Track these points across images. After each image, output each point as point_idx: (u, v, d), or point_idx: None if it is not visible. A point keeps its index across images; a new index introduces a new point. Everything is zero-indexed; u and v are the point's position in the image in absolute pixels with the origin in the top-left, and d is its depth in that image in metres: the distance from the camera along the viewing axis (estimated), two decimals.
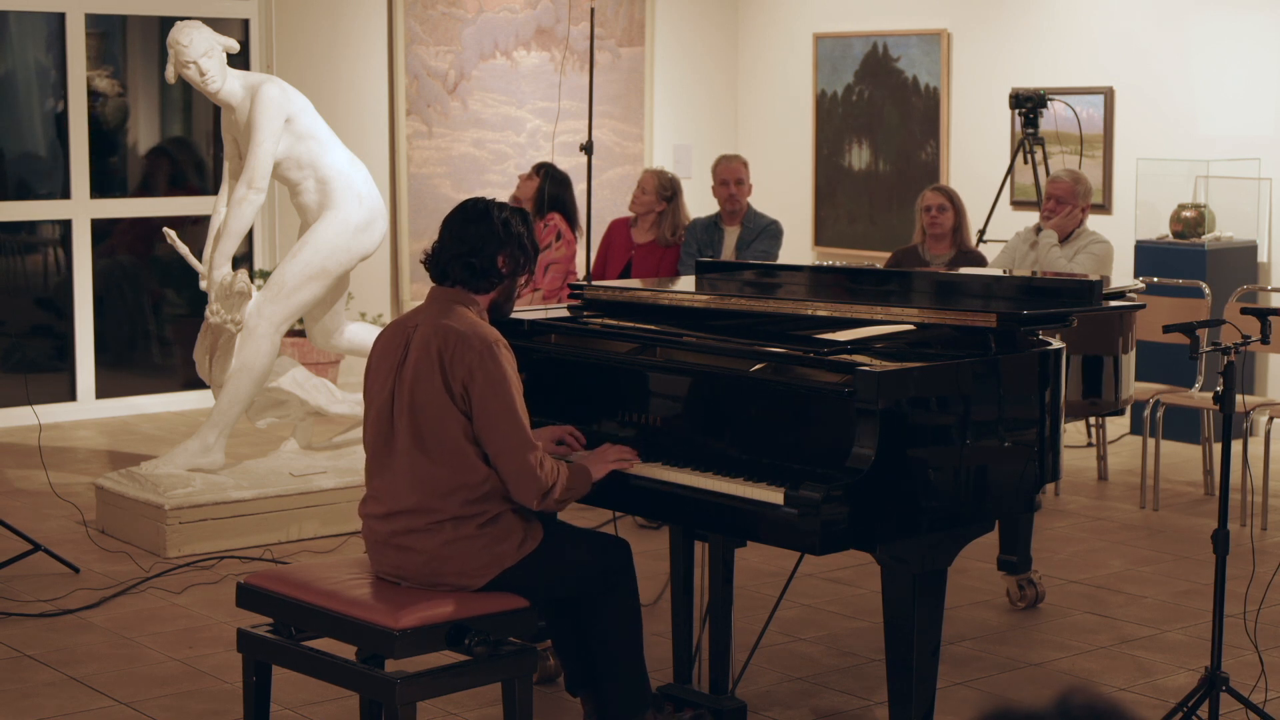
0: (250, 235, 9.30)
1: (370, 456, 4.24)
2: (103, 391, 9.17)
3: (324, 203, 6.98)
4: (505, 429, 4.05)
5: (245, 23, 9.42)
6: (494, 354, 4.06)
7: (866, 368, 3.98)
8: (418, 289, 9.91)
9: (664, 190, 7.94)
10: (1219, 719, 4.49)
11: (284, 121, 6.83)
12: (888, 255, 8.03)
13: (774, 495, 3.93)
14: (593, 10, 8.29)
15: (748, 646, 4.93)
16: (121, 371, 9.40)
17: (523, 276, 4.28)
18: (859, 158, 10.61)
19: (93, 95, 9.11)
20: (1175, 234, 8.82)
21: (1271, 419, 7.25)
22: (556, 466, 4.11)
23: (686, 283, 5.73)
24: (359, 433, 7.22)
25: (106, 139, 9.24)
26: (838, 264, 9.09)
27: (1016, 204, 9.65)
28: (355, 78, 9.73)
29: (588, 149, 7.87)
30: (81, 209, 9.06)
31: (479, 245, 4.17)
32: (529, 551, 4.14)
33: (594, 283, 5.54)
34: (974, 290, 5.23)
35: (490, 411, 4.05)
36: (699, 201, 9.34)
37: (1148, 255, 8.78)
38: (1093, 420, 8.14)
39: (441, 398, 4.07)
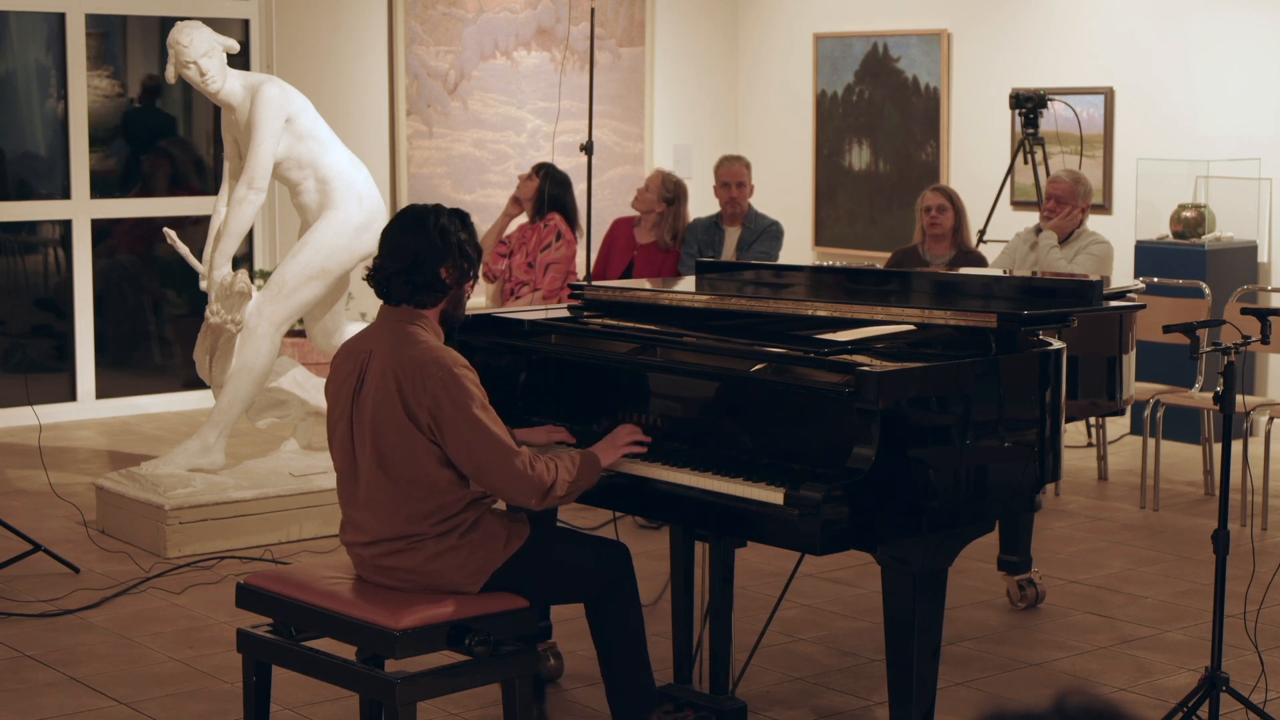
0: (250, 235, 9.30)
1: (340, 484, 4.20)
2: (103, 391, 9.17)
3: (324, 203, 6.98)
4: (482, 446, 3.99)
5: (245, 23, 9.42)
6: (454, 377, 3.99)
7: (867, 368, 3.98)
8: None
9: (665, 191, 7.93)
10: (1219, 719, 4.49)
11: (284, 121, 6.83)
12: (888, 255, 8.03)
13: (774, 495, 3.93)
14: (593, 10, 8.29)
15: (748, 646, 4.93)
16: (121, 371, 9.40)
17: (469, 283, 4.18)
18: (859, 158, 10.60)
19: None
20: (1175, 234, 8.82)
21: (1271, 419, 7.24)
22: (551, 463, 4.07)
23: (687, 283, 5.73)
24: None
25: (106, 139, 9.24)
26: (838, 264, 9.10)
27: (1016, 204, 9.65)
28: (355, 78, 9.73)
29: (588, 149, 7.87)
30: (81, 209, 9.06)
31: (419, 260, 4.07)
32: (516, 549, 4.12)
33: (594, 283, 5.54)
34: (974, 290, 5.23)
35: (463, 435, 3.99)
36: (700, 201, 9.34)
37: (1148, 255, 8.78)
38: (1093, 420, 8.14)
39: (407, 429, 4.01)
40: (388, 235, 4.15)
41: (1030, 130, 8.91)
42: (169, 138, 9.70)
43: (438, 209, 4.15)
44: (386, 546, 4.09)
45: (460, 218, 4.17)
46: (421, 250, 4.07)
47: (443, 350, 4.07)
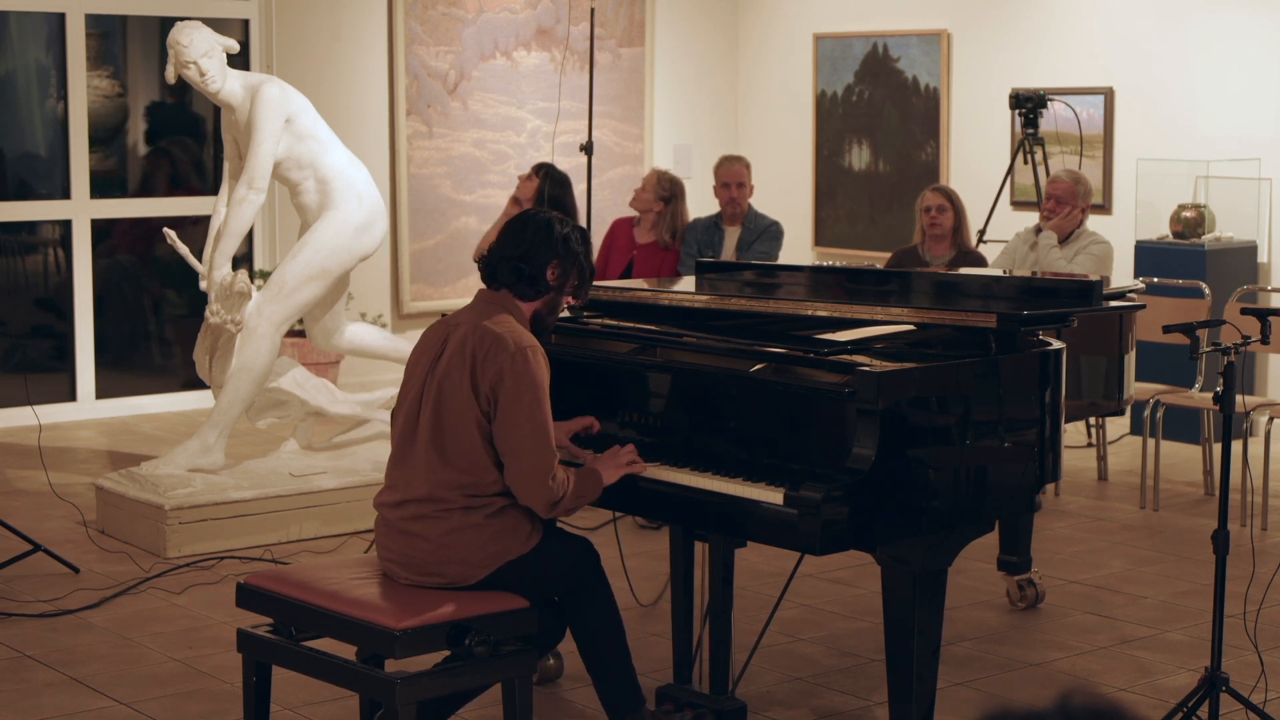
0: (250, 235, 9.30)
1: (394, 447, 4.28)
2: (103, 392, 9.17)
3: (324, 203, 6.98)
4: (526, 435, 4.07)
5: (245, 23, 9.42)
6: (526, 358, 4.09)
7: (866, 368, 3.98)
8: (418, 289, 9.91)
9: (661, 190, 7.92)
10: (1219, 719, 4.50)
11: (284, 122, 6.83)
12: (888, 255, 8.03)
13: (774, 495, 3.93)
14: (593, 10, 8.29)
15: (748, 646, 4.93)
16: (121, 371, 9.40)
17: (569, 296, 4.30)
18: (859, 158, 10.60)
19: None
20: (1175, 234, 8.82)
21: (1271, 419, 7.24)
22: (567, 476, 4.14)
23: (686, 283, 5.73)
24: (359, 433, 7.23)
25: (106, 139, 9.25)
26: (838, 264, 9.09)
27: (1016, 204, 9.65)
28: (355, 78, 9.73)
29: (588, 149, 7.86)
30: (81, 209, 9.06)
31: (531, 252, 4.22)
32: (533, 546, 4.17)
33: (594, 283, 5.53)
34: (974, 290, 5.23)
35: (513, 416, 4.07)
36: (700, 201, 9.34)
37: (1148, 255, 8.78)
38: (1093, 420, 8.14)
39: (467, 397, 4.10)
40: (509, 227, 4.31)
41: (1030, 130, 8.91)
42: (169, 138, 9.70)
43: (565, 219, 4.31)
44: (414, 509, 4.14)
45: (582, 233, 4.33)
46: (537, 245, 4.23)
47: (524, 333, 4.18)
